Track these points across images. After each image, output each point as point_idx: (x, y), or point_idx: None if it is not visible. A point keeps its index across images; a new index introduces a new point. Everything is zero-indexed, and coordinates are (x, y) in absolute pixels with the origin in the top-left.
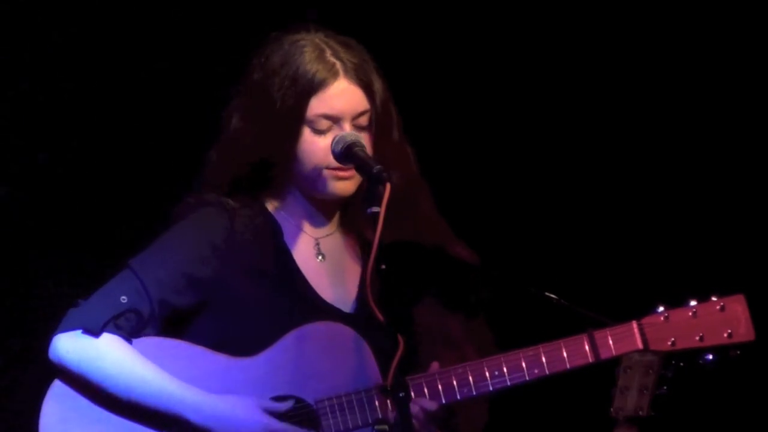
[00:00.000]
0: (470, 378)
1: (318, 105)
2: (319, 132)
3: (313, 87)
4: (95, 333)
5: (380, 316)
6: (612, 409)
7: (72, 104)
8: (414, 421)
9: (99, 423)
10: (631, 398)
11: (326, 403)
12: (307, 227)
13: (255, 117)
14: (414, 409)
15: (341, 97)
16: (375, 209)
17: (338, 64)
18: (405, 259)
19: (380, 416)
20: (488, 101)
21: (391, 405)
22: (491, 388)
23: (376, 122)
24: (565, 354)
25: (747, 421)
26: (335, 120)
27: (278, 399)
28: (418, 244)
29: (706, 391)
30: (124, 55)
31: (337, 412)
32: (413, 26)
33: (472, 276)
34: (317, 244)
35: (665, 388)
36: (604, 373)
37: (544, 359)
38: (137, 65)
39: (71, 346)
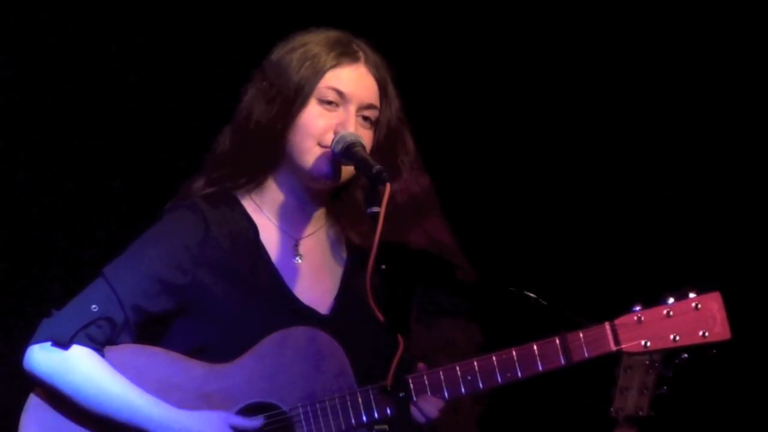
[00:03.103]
0: (443, 381)
1: (332, 78)
2: (325, 103)
3: (332, 63)
4: (64, 345)
5: (380, 316)
6: (612, 409)
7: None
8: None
9: None
10: (631, 398)
11: (300, 410)
12: (287, 227)
13: (268, 90)
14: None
15: (356, 81)
16: (375, 209)
17: (361, 53)
18: (397, 260)
19: (354, 422)
20: (463, 98)
21: (387, 405)
22: (464, 392)
23: (389, 128)
24: (537, 357)
25: (746, 420)
26: (344, 99)
27: (254, 407)
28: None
29: (705, 391)
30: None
31: (311, 419)
32: (410, 26)
33: (462, 280)
34: (296, 244)
35: (665, 388)
36: (604, 373)
37: (516, 363)
38: (130, 68)
39: (42, 358)
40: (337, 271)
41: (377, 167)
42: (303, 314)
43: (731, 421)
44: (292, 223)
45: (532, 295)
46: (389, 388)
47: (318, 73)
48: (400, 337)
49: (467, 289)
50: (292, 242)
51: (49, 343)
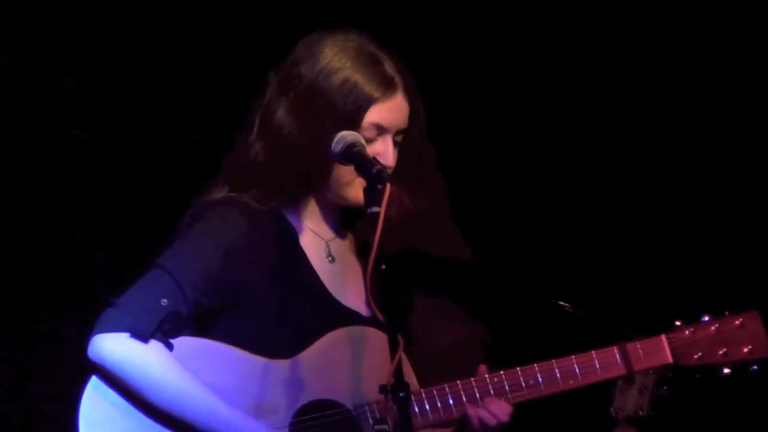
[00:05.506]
0: (506, 386)
1: (374, 114)
2: (366, 140)
3: (375, 96)
4: (144, 338)
5: (380, 316)
6: (612, 409)
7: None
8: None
9: (141, 423)
10: (631, 398)
11: (366, 408)
12: (318, 230)
13: (308, 117)
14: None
15: (395, 111)
16: (375, 209)
17: (397, 78)
18: (407, 261)
19: (421, 422)
20: (503, 104)
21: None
22: (527, 397)
23: (413, 142)
24: (597, 365)
25: (746, 421)
26: (382, 131)
27: (316, 404)
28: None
29: (705, 392)
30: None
31: (379, 417)
32: (409, 26)
33: (471, 279)
34: (327, 246)
35: (665, 388)
36: None
37: (577, 370)
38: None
39: (117, 348)
40: (360, 274)
41: (377, 167)
42: (348, 315)
43: (731, 420)
44: (322, 225)
45: (566, 305)
46: (389, 388)
47: (362, 109)
48: (399, 337)
49: (481, 294)
50: (324, 244)
51: (126, 335)
